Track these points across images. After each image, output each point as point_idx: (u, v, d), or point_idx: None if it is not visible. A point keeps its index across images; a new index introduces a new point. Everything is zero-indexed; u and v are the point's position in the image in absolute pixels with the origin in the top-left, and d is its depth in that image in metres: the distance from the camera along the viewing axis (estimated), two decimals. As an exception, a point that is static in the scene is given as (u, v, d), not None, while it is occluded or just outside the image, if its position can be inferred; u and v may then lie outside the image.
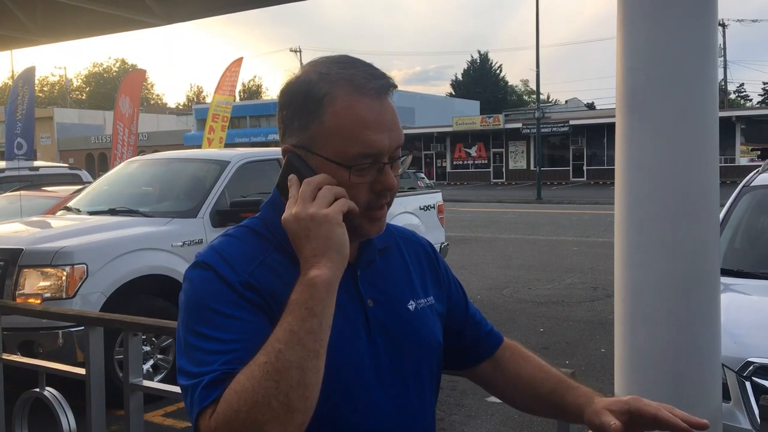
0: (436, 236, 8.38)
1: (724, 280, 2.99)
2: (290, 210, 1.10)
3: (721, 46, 47.25)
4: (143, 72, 15.67)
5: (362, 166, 1.13)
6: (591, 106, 59.15)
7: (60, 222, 5.95)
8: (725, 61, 48.09)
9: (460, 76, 67.31)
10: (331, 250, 1.07)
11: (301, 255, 1.08)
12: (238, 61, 14.36)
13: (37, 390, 3.07)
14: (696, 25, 1.67)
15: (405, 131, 1.18)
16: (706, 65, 1.68)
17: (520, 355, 1.41)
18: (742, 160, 33.69)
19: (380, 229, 1.20)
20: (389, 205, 1.19)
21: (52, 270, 4.83)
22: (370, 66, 1.17)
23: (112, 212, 5.96)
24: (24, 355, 4.36)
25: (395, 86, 1.17)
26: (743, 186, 4.61)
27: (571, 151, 39.83)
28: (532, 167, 38.26)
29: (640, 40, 1.70)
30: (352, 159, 1.12)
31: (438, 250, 1.51)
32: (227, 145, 14.94)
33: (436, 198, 8.93)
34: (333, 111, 1.12)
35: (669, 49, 1.67)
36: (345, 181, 1.12)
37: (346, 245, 1.09)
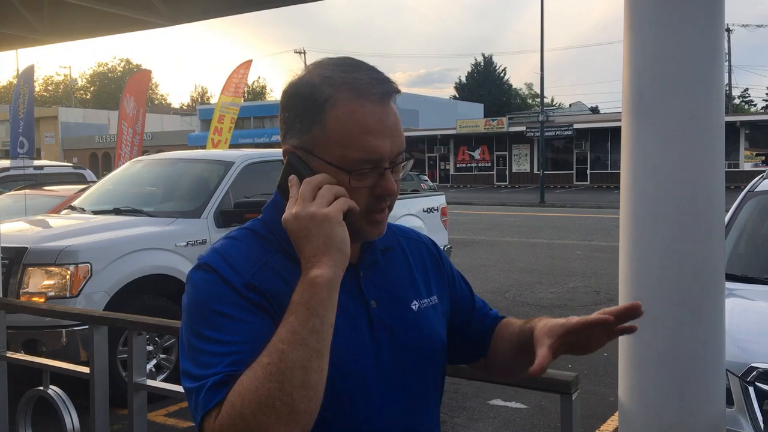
0: (439, 239, 8.38)
1: (728, 285, 2.98)
2: (290, 210, 1.10)
3: (726, 50, 47.20)
4: (149, 72, 15.67)
5: (363, 171, 1.13)
6: (595, 110, 59.14)
7: (64, 221, 5.97)
8: (730, 65, 48.06)
9: (464, 79, 67.31)
10: (332, 249, 1.07)
11: (302, 255, 1.08)
12: (247, 64, 14.35)
13: (41, 388, 3.08)
14: (703, 29, 1.67)
15: (408, 133, 1.19)
16: (712, 69, 1.68)
17: (504, 323, 1.41)
18: (746, 165, 33.64)
19: (381, 232, 1.20)
20: (390, 208, 1.19)
21: (57, 269, 4.84)
22: (373, 70, 1.16)
23: (117, 212, 5.98)
24: (28, 353, 4.37)
25: (399, 91, 1.17)
26: (748, 191, 4.61)
27: (574, 154, 39.80)
28: (535, 170, 38.24)
29: (646, 43, 1.71)
30: (353, 164, 1.12)
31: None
32: (231, 146, 14.95)
33: (439, 200, 8.93)
34: (335, 115, 1.12)
35: (676, 53, 1.67)
36: (345, 185, 1.12)
37: (347, 244, 1.09)
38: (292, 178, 1.15)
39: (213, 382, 1.01)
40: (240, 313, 1.07)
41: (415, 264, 1.32)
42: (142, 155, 8.59)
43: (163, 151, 8.43)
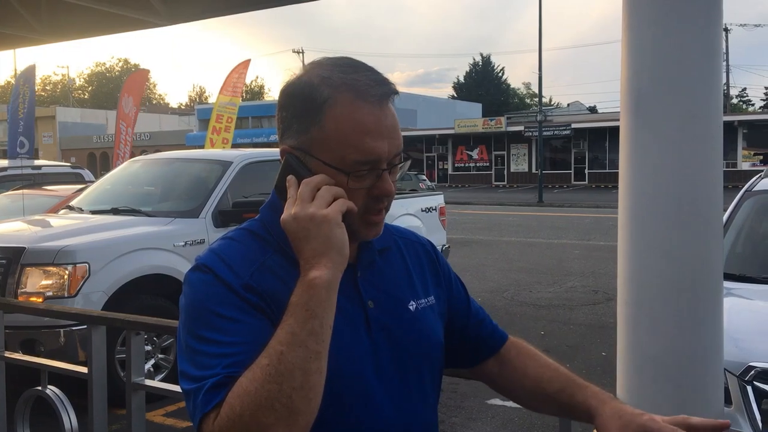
0: (437, 238, 8.37)
1: (726, 284, 2.98)
2: (289, 211, 1.10)
3: (724, 50, 47.25)
4: (146, 72, 15.66)
5: (360, 173, 1.13)
6: (593, 110, 59.17)
7: (62, 221, 5.96)
8: (728, 65, 48.14)
9: (462, 79, 67.30)
10: (331, 250, 1.07)
11: (300, 256, 1.08)
12: (245, 63, 14.34)
13: (39, 388, 3.07)
14: (701, 29, 1.68)
15: (407, 133, 1.19)
16: (711, 69, 1.68)
17: (527, 353, 1.41)
18: (744, 165, 33.68)
19: (377, 233, 1.20)
20: (387, 209, 1.19)
21: (55, 269, 4.84)
22: (372, 71, 1.16)
23: (115, 211, 5.96)
24: (26, 353, 4.36)
25: (397, 93, 1.17)
26: (745, 191, 4.61)
27: (572, 154, 39.83)
28: (533, 170, 38.28)
29: (645, 43, 1.71)
30: (351, 165, 1.12)
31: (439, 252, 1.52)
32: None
33: (437, 200, 8.93)
34: (333, 116, 1.12)
35: (674, 53, 1.67)
36: (343, 186, 1.12)
37: (346, 245, 1.09)
38: (290, 179, 1.14)
39: (212, 383, 1.01)
40: (238, 315, 1.07)
41: (413, 264, 1.32)
42: (140, 155, 8.59)
43: (161, 151, 8.42)
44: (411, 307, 1.25)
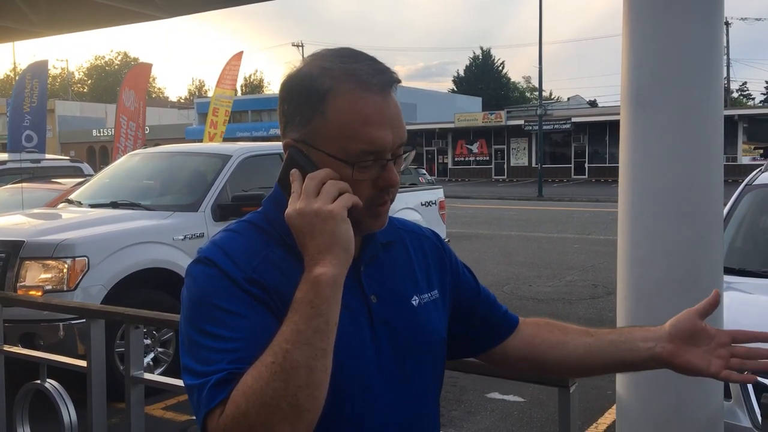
0: (437, 232, 8.36)
1: (726, 278, 2.97)
2: (294, 205, 1.08)
3: (725, 44, 47.13)
4: (149, 66, 15.52)
5: (365, 163, 1.11)
6: (593, 104, 59.14)
7: (61, 214, 5.96)
8: (728, 59, 48.02)
9: (462, 73, 67.23)
10: (337, 246, 1.05)
11: (305, 251, 1.06)
12: (238, 55, 14.38)
13: (38, 382, 3.07)
14: (702, 23, 1.67)
15: (407, 127, 1.17)
16: (711, 63, 1.68)
17: (554, 325, 1.39)
18: (744, 159, 33.68)
19: (382, 224, 1.19)
20: (392, 200, 1.18)
21: (54, 262, 4.84)
22: (373, 60, 1.15)
23: (114, 205, 5.96)
24: (25, 347, 4.37)
25: (399, 81, 1.15)
26: (746, 185, 4.61)
27: (572, 148, 39.82)
28: (533, 164, 38.26)
29: (646, 37, 1.70)
30: (355, 156, 1.11)
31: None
32: (228, 140, 14.98)
33: (437, 194, 8.92)
34: (336, 107, 1.11)
35: (675, 47, 1.67)
36: (348, 178, 1.11)
37: (352, 242, 1.07)
38: (294, 173, 1.13)
39: (216, 379, 1.00)
40: (241, 309, 1.06)
41: (417, 258, 1.31)
42: (144, 148, 8.57)
43: (161, 145, 8.42)
44: (414, 302, 1.24)
